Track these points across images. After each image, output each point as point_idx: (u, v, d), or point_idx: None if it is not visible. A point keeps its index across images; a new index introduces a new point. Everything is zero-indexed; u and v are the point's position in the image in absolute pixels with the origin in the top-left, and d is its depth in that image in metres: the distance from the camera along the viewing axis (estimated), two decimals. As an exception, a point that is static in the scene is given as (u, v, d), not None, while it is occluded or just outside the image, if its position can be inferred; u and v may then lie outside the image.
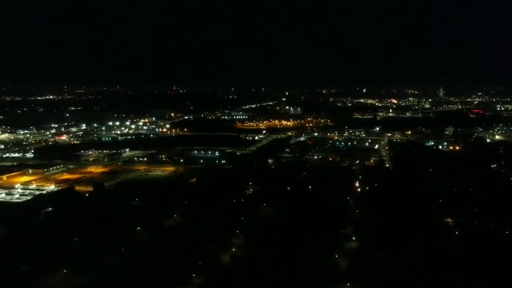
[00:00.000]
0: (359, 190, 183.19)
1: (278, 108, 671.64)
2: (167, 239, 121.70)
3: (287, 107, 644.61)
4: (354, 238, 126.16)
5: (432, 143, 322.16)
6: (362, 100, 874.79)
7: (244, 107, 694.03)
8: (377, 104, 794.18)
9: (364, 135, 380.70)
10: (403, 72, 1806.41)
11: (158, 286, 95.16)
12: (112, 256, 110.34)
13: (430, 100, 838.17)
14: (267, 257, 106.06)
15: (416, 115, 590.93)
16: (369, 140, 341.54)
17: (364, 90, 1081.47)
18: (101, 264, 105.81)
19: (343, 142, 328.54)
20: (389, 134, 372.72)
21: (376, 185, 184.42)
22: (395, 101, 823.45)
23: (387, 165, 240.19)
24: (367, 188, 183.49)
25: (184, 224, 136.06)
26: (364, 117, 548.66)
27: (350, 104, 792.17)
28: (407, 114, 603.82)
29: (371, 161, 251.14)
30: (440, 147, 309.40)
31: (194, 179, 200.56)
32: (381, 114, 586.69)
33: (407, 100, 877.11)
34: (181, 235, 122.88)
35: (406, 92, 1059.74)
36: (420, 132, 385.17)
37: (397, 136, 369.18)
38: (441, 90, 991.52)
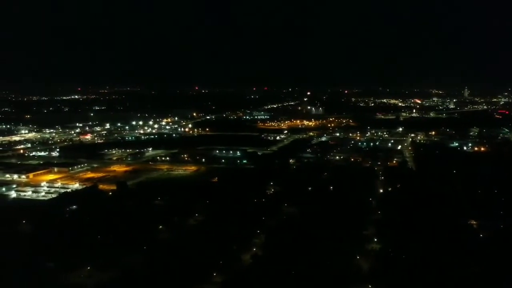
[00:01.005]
0: (381, 191, 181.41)
1: (299, 108, 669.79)
2: (189, 238, 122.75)
3: (308, 107, 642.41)
4: (376, 240, 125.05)
5: (457, 144, 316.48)
6: (384, 100, 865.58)
7: (266, 107, 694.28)
8: (400, 104, 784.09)
9: (386, 135, 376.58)
10: (427, 72, 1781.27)
11: (180, 284, 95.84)
12: (134, 254, 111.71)
13: (454, 100, 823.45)
14: (288, 257, 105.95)
15: (440, 116, 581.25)
16: (392, 141, 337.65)
17: (387, 90, 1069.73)
18: (124, 261, 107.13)
19: (365, 143, 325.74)
20: (412, 135, 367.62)
21: (398, 186, 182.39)
22: (419, 101, 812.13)
23: (410, 166, 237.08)
24: (390, 189, 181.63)
25: (205, 223, 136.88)
26: (387, 117, 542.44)
27: (372, 104, 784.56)
28: (431, 114, 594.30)
29: (394, 161, 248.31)
30: (465, 148, 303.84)
31: (216, 179, 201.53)
32: (404, 114, 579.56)
33: (431, 100, 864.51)
34: (203, 234, 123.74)
35: (430, 92, 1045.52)
36: (444, 133, 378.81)
37: (421, 136, 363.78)
38: (466, 90, 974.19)
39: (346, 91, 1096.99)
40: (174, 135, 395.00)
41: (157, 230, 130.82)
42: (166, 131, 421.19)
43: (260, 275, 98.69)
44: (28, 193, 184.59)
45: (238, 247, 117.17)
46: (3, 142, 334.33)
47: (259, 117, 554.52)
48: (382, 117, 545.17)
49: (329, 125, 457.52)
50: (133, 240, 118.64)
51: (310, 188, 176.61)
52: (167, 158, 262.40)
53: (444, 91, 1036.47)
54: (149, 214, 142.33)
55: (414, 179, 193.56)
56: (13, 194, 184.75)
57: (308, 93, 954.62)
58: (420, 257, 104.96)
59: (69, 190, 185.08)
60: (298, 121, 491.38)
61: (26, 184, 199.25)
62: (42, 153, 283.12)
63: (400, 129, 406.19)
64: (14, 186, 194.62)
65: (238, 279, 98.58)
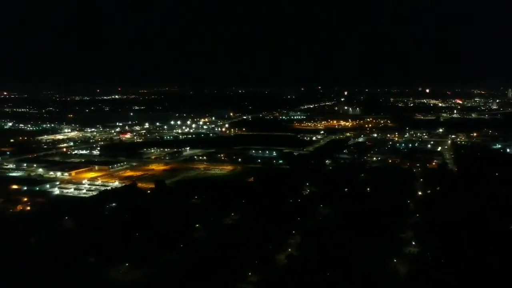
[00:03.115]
0: (420, 193, 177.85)
1: (336, 108, 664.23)
2: (225, 236, 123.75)
3: (345, 107, 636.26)
4: (413, 243, 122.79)
5: (500, 146, 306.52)
6: (424, 101, 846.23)
7: (302, 107, 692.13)
8: (440, 104, 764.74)
9: (426, 136, 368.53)
10: (469, 72, 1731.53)
11: (215, 283, 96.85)
12: (171, 251, 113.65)
13: (497, 100, 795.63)
14: (323, 258, 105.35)
15: (482, 116, 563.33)
16: (432, 142, 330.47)
17: (427, 90, 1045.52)
18: (160, 259, 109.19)
19: (403, 144, 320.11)
20: (453, 136, 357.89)
21: (438, 188, 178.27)
22: (460, 102, 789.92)
23: (451, 168, 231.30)
24: (429, 191, 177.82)
25: (241, 223, 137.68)
26: (427, 118, 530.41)
27: (411, 105, 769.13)
28: (473, 115, 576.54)
29: (433, 163, 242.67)
30: (508, 150, 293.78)
31: (252, 178, 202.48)
32: (444, 115, 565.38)
33: (472, 100, 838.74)
34: (238, 234, 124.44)
35: (471, 92, 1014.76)
36: (487, 134, 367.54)
37: (462, 138, 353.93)
38: (510, 90, 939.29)
39: (385, 91, 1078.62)
40: (211, 134, 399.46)
41: (193, 229, 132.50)
42: (204, 130, 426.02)
43: (295, 276, 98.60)
44: (70, 190, 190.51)
45: (273, 247, 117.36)
46: (48, 140, 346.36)
47: (295, 117, 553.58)
48: (422, 117, 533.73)
49: (366, 125, 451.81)
50: (170, 238, 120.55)
51: (346, 189, 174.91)
52: (204, 158, 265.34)
53: (487, 92, 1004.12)
54: (186, 212, 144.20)
55: (455, 182, 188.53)
56: (56, 190, 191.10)
57: (346, 93, 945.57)
58: (459, 263, 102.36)
59: (109, 188, 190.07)
60: (335, 122, 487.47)
61: (69, 182, 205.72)
62: (84, 152, 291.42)
63: (440, 130, 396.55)
64: (57, 183, 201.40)
65: (273, 279, 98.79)
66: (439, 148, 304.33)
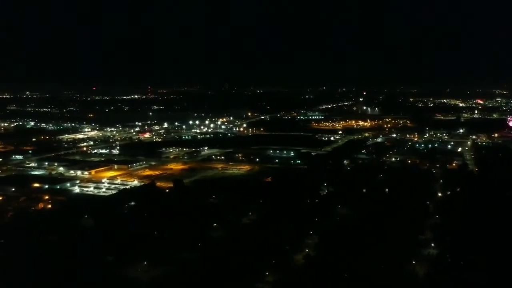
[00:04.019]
0: (439, 194, 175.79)
1: (355, 108, 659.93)
2: (242, 236, 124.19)
3: (364, 107, 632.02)
4: (433, 245, 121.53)
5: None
6: (444, 101, 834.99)
7: (320, 107, 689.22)
8: (460, 104, 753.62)
9: (446, 137, 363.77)
10: (490, 71, 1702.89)
11: (233, 282, 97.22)
12: (189, 250, 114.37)
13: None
14: (341, 259, 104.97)
15: (504, 117, 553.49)
16: (452, 143, 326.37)
17: (448, 90, 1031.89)
18: (179, 258, 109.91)
19: (423, 144, 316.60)
20: (474, 137, 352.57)
21: (458, 190, 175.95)
22: (481, 102, 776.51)
23: (471, 169, 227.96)
24: (449, 193, 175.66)
25: (258, 222, 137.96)
26: (447, 118, 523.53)
27: (431, 105, 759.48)
28: (494, 115, 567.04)
29: (454, 164, 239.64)
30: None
31: (269, 178, 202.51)
32: (465, 115, 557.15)
33: (494, 100, 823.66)
34: (256, 233, 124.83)
35: (493, 92, 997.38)
36: (508, 135, 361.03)
37: (483, 138, 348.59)
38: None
39: (404, 91, 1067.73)
40: (229, 134, 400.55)
41: (211, 228, 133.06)
42: (222, 130, 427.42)
43: (312, 276, 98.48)
44: (90, 189, 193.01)
45: (290, 247, 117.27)
46: (68, 139, 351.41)
47: (313, 117, 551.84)
48: (442, 118, 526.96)
49: (385, 125, 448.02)
50: (188, 237, 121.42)
51: (364, 189, 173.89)
52: (222, 157, 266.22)
53: (509, 91, 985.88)
54: (204, 211, 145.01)
55: (475, 183, 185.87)
56: (76, 189, 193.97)
57: (364, 93, 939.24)
58: (479, 265, 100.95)
59: (128, 186, 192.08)
60: (353, 122, 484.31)
61: (89, 180, 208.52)
62: (104, 151, 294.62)
63: (461, 130, 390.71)
64: (78, 181, 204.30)
65: (290, 279, 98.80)
66: (460, 149, 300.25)
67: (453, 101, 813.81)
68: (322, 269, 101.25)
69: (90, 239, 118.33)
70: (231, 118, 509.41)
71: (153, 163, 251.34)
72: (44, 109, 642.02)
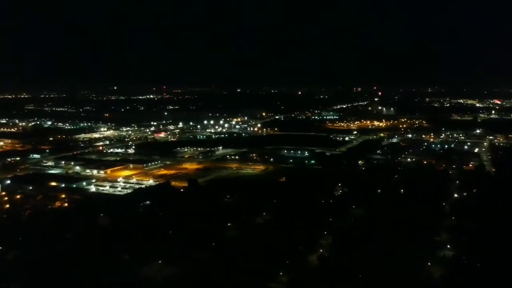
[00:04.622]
0: (455, 195, 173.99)
1: (370, 108, 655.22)
2: (256, 236, 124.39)
3: (379, 107, 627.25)
4: (448, 246, 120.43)
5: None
6: (461, 101, 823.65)
7: (335, 107, 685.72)
8: (477, 104, 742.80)
9: (462, 137, 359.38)
10: (508, 71, 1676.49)
11: (246, 282, 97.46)
12: (203, 250, 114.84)
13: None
14: (355, 260, 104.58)
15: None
16: (468, 143, 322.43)
17: (464, 90, 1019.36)
18: (193, 257, 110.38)
19: (439, 145, 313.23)
20: (491, 137, 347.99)
21: (475, 191, 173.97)
22: (499, 102, 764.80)
23: (488, 170, 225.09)
24: (465, 194, 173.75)
25: (272, 222, 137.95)
26: (463, 118, 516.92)
27: (448, 105, 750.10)
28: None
29: (470, 165, 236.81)
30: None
31: (284, 178, 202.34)
32: (482, 115, 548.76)
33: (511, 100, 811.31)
34: (270, 233, 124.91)
35: (511, 92, 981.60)
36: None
37: (500, 139, 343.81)
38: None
39: (420, 91, 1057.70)
40: (243, 134, 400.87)
41: (225, 227, 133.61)
42: (236, 130, 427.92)
43: (326, 277, 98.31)
44: (106, 188, 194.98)
45: (304, 247, 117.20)
46: (85, 139, 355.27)
47: (328, 117, 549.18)
48: (458, 118, 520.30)
49: (400, 126, 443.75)
50: (203, 236, 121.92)
51: (379, 190, 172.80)
52: (236, 157, 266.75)
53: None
54: (218, 211, 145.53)
55: (493, 184, 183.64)
56: (92, 188, 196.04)
57: (379, 93, 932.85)
58: (496, 268, 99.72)
59: (143, 186, 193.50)
60: (368, 122, 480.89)
61: (104, 179, 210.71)
62: (119, 150, 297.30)
63: (478, 131, 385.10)
64: (94, 180, 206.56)
65: (304, 280, 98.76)
66: (476, 150, 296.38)
67: (470, 101, 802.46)
68: (336, 269, 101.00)
69: (105, 238, 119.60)
70: (246, 118, 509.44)
71: (168, 162, 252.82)
72: (61, 109, 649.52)
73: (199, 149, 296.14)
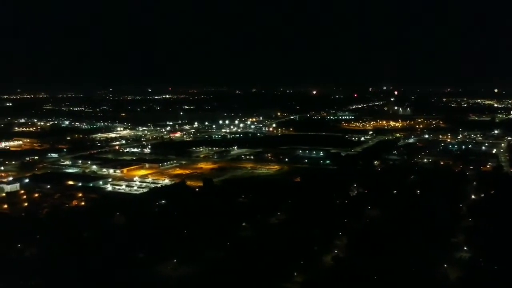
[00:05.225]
0: (473, 197, 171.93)
1: (386, 108, 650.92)
2: (271, 236, 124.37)
3: (395, 107, 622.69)
4: (465, 248, 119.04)
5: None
6: (479, 101, 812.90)
7: (351, 107, 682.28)
8: (495, 105, 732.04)
9: (480, 138, 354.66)
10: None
11: (261, 282, 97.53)
12: (218, 249, 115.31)
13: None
14: (370, 261, 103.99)
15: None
16: (486, 144, 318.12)
17: (482, 90, 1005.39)
18: (208, 256, 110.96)
19: (456, 145, 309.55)
20: (509, 138, 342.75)
21: (492, 192, 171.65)
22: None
23: (506, 171, 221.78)
24: (482, 195, 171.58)
25: (287, 223, 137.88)
26: (481, 118, 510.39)
27: (465, 105, 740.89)
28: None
29: (488, 166, 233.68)
30: None
31: (299, 179, 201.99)
32: (500, 116, 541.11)
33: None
34: (284, 233, 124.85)
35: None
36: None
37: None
38: None
39: (437, 91, 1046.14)
40: (258, 134, 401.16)
41: (240, 227, 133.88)
42: (251, 130, 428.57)
43: (340, 277, 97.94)
44: (122, 187, 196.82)
45: (319, 248, 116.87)
46: (101, 138, 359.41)
47: (343, 117, 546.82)
48: (476, 118, 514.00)
49: (417, 126, 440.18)
50: (217, 236, 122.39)
51: (395, 191, 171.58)
52: (251, 157, 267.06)
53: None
54: (233, 211, 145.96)
55: (510, 185, 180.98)
56: (109, 187, 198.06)
57: (396, 93, 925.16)
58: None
59: (159, 185, 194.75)
60: (384, 122, 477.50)
61: (121, 179, 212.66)
62: (135, 150, 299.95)
63: (496, 131, 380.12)
64: (110, 180, 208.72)
65: (318, 280, 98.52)
66: (494, 150, 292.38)
67: (487, 101, 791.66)
68: (351, 270, 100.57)
69: (121, 236, 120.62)
70: (261, 118, 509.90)
71: (183, 162, 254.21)
72: (78, 109, 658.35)
73: (214, 149, 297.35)
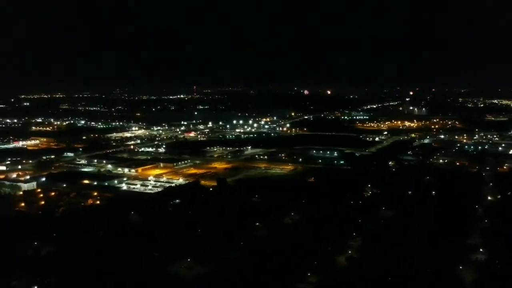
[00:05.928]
0: (489, 198, 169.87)
1: (401, 108, 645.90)
2: (284, 236, 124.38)
3: (410, 108, 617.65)
4: (481, 250, 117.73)
5: None
6: (495, 101, 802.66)
7: (365, 107, 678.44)
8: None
9: (497, 138, 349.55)
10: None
11: (275, 281, 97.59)
12: (232, 248, 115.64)
13: None
14: (384, 262, 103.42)
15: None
16: (503, 145, 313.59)
17: (499, 90, 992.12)
18: (222, 256, 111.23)
19: (472, 146, 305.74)
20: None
21: (509, 193, 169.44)
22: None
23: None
24: (499, 196, 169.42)
25: (301, 223, 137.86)
26: (498, 119, 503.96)
27: (482, 105, 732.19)
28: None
29: (505, 167, 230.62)
30: None
31: (312, 179, 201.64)
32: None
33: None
34: (298, 233, 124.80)
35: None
36: None
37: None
38: None
39: (453, 91, 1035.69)
40: (272, 134, 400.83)
41: (254, 227, 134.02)
42: (265, 130, 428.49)
43: (354, 278, 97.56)
44: (137, 186, 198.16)
45: (333, 248, 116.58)
46: (116, 138, 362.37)
47: (357, 117, 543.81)
48: (492, 118, 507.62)
49: (432, 126, 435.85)
50: (231, 235, 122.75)
51: (410, 192, 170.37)
52: (265, 157, 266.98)
53: None
54: (247, 210, 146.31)
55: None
56: (124, 186, 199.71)
57: (411, 93, 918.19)
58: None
59: (173, 184, 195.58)
60: (399, 122, 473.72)
61: (135, 178, 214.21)
62: (150, 149, 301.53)
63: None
64: (125, 179, 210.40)
65: (332, 281, 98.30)
66: (511, 151, 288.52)
67: (504, 102, 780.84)
68: (365, 271, 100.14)
69: (136, 235, 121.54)
70: (275, 118, 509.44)
71: (197, 161, 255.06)
72: (94, 108, 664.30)
73: (228, 148, 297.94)
